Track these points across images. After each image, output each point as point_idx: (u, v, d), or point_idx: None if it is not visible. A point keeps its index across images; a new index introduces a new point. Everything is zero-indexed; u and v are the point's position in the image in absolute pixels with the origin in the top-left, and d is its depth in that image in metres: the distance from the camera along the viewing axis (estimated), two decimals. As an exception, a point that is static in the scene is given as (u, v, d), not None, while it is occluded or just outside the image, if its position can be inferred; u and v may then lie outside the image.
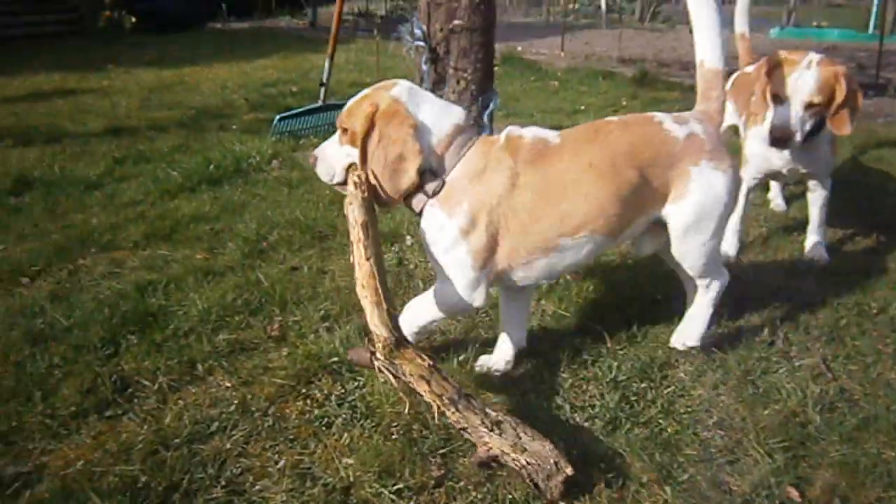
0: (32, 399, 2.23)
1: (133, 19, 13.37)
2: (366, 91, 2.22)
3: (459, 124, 2.17)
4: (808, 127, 2.87)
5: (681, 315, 2.59)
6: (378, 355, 1.98)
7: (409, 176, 2.11)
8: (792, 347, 2.52)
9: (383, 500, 1.83)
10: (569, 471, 1.76)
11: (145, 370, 2.38)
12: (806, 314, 2.72)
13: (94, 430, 2.11)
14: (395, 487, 1.86)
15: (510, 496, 1.84)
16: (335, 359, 2.40)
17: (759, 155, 3.15)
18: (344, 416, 2.16)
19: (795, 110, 2.84)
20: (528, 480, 1.80)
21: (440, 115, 2.17)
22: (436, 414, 1.93)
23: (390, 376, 1.97)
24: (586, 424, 2.12)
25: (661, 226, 2.31)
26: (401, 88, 2.18)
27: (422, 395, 1.92)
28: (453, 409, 1.86)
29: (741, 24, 3.78)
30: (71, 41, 11.57)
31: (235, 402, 2.21)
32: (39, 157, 4.86)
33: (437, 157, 2.15)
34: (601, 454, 1.99)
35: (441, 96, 2.77)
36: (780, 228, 3.60)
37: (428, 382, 1.90)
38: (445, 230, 2.13)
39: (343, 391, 2.28)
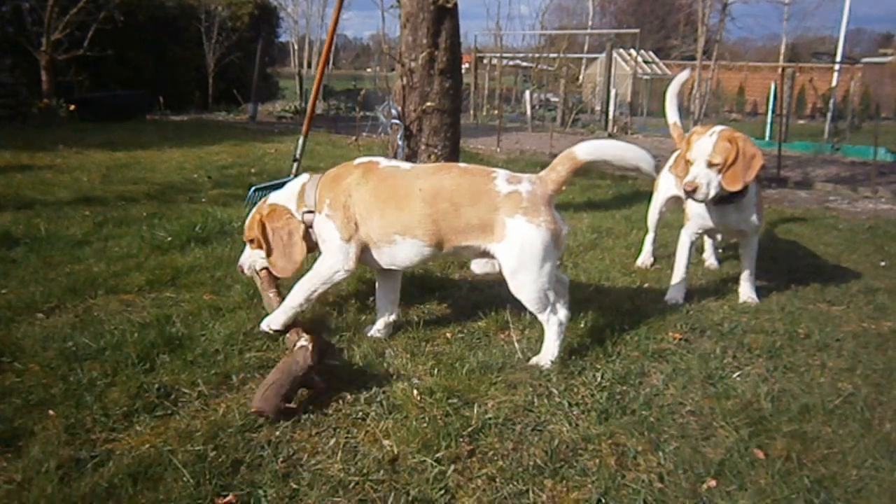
0: (85, 402, 2.43)
1: (71, 107, 13.51)
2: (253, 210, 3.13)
3: (304, 181, 3.05)
4: (714, 183, 3.47)
5: (644, 336, 3.11)
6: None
7: (300, 243, 2.97)
8: (740, 361, 3.00)
9: (426, 466, 2.14)
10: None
11: (184, 381, 2.62)
12: (748, 339, 3.24)
13: (148, 425, 2.33)
14: (435, 457, 2.17)
15: (532, 462, 2.19)
16: (357, 367, 2.72)
17: (697, 214, 3.75)
18: (375, 411, 2.47)
19: (699, 169, 3.49)
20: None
21: (292, 187, 3.08)
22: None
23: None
24: (583, 415, 2.50)
25: (491, 256, 2.90)
26: (273, 196, 3.12)
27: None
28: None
29: (672, 115, 4.46)
30: (9, 126, 11.59)
31: (275, 402, 2.48)
32: (15, 220, 4.98)
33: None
34: (599, 434, 2.37)
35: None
36: (716, 280, 4.18)
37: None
38: (322, 220, 2.94)
39: (369, 395, 2.58)
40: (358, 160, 3.06)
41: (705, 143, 3.48)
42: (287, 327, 2.95)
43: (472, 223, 2.82)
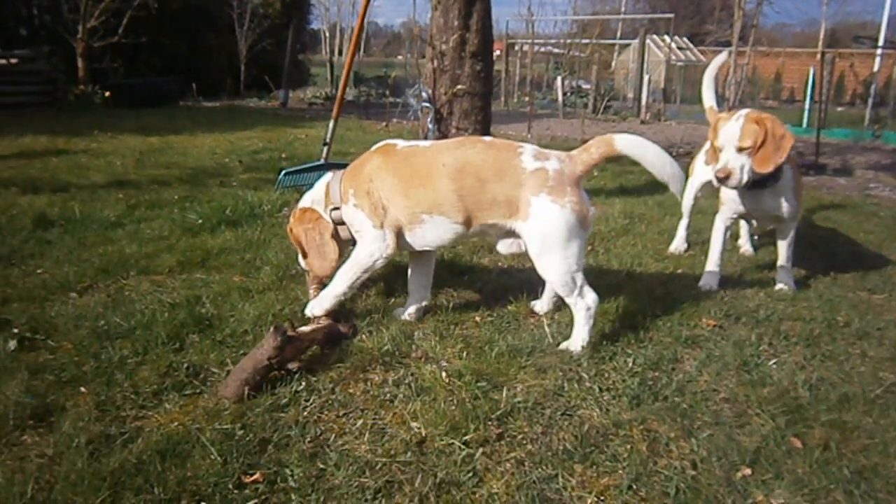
0: (115, 379, 2.45)
1: (106, 94, 13.70)
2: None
3: (328, 180, 3.04)
4: (746, 167, 3.36)
5: (677, 323, 3.04)
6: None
7: (331, 243, 2.95)
8: (776, 349, 2.93)
9: (454, 448, 2.11)
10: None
11: (213, 361, 2.63)
12: (784, 327, 3.15)
13: (177, 404, 2.34)
14: (464, 440, 2.15)
15: (562, 446, 2.15)
16: (386, 349, 2.71)
17: (731, 199, 3.65)
18: (403, 393, 2.45)
19: (729, 154, 3.38)
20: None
21: (319, 187, 3.06)
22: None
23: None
24: (614, 401, 2.46)
25: (517, 235, 2.85)
26: (302, 200, 3.11)
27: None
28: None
29: (709, 99, 4.36)
30: (46, 112, 11.80)
31: (303, 383, 2.47)
32: (50, 202, 5.06)
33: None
34: (630, 419, 2.32)
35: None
36: (752, 267, 4.08)
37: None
38: (351, 211, 2.92)
39: (397, 377, 2.57)
40: (375, 145, 3.02)
41: (732, 128, 3.37)
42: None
43: (497, 199, 2.77)
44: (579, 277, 2.80)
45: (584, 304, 2.81)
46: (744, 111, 3.44)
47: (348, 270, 2.94)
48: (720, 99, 15.56)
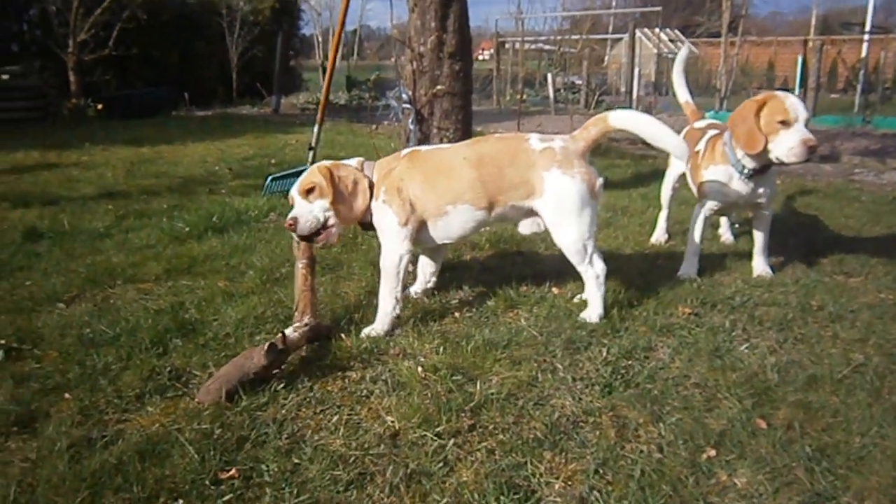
0: (99, 385, 2.51)
1: (99, 107, 13.76)
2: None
3: (361, 160, 3.19)
4: None
5: (653, 312, 3.10)
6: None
7: (365, 192, 3.04)
8: (749, 334, 2.98)
9: (427, 440, 2.17)
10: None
11: (195, 364, 2.68)
12: (759, 312, 3.20)
13: (159, 406, 2.39)
14: (436, 431, 2.20)
15: (532, 435, 2.21)
16: (365, 346, 2.77)
17: (719, 189, 3.67)
18: (379, 389, 2.50)
19: (803, 125, 3.31)
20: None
21: (350, 162, 3.19)
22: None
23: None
24: (587, 389, 2.51)
25: (536, 214, 3.10)
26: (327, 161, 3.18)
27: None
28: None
29: (682, 94, 4.41)
30: (39, 126, 11.87)
31: (283, 383, 2.52)
32: (41, 215, 5.12)
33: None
34: (601, 407, 2.37)
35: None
36: (732, 254, 4.13)
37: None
38: (379, 207, 3.05)
39: (375, 373, 2.62)
40: (403, 151, 3.22)
41: (801, 103, 3.34)
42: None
43: (514, 181, 3.03)
44: (591, 245, 3.07)
45: (593, 272, 3.08)
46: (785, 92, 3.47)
47: (385, 283, 3.03)
48: (711, 90, 15.58)
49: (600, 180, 3.08)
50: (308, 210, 3.03)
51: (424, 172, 3.06)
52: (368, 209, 3.07)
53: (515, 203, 3.07)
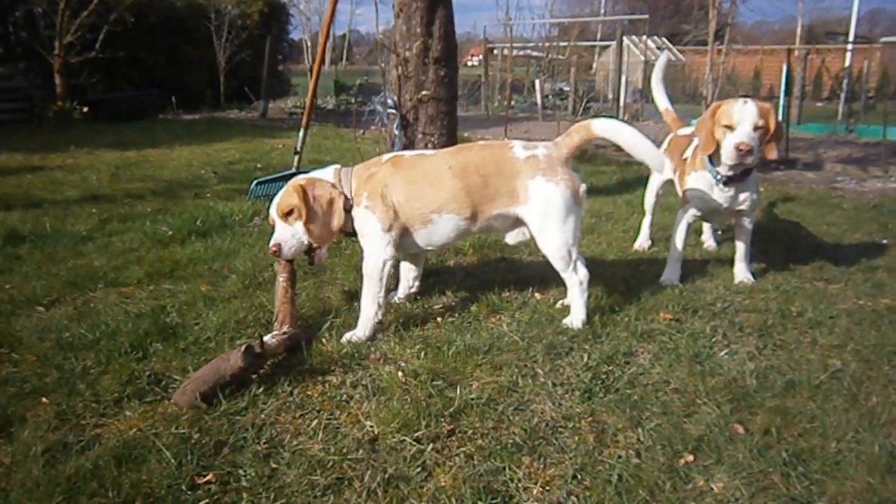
0: (77, 389, 2.49)
1: (84, 109, 13.67)
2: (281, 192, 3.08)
3: (337, 168, 3.14)
4: (757, 147, 3.42)
5: (634, 318, 3.12)
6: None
7: (340, 211, 3.00)
8: (730, 340, 3.00)
9: (406, 445, 2.17)
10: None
11: (175, 368, 2.67)
12: (739, 318, 3.22)
13: (137, 411, 2.38)
14: (415, 436, 2.20)
15: (511, 440, 2.21)
16: (345, 351, 2.76)
17: (699, 196, 3.70)
18: (359, 394, 2.50)
19: (747, 130, 3.41)
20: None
21: (325, 173, 3.14)
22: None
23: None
24: (567, 395, 2.52)
25: (522, 223, 3.12)
26: (302, 178, 3.13)
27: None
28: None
29: (661, 101, 4.45)
30: (24, 128, 11.78)
31: (262, 387, 2.51)
32: (23, 218, 5.07)
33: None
34: (581, 413, 2.38)
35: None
36: (714, 261, 4.16)
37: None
38: (361, 212, 3.03)
39: (355, 378, 2.62)
40: (385, 156, 3.21)
41: (750, 108, 3.42)
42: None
43: (500, 191, 3.05)
44: (575, 252, 3.10)
45: (577, 279, 3.10)
46: (745, 98, 3.55)
47: (367, 289, 3.02)
48: (698, 97, 15.66)
49: (584, 186, 3.11)
50: (290, 234, 3.01)
51: (408, 180, 3.05)
52: (345, 225, 3.04)
53: (500, 211, 3.09)
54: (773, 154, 3.51)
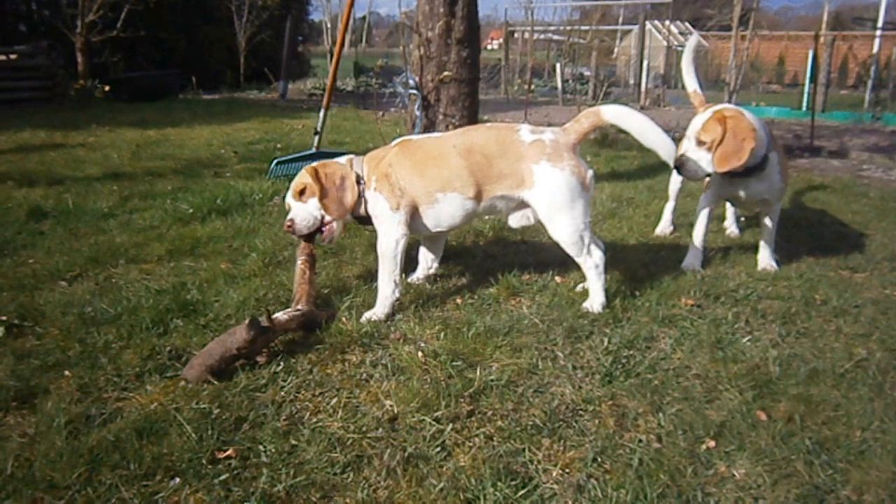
0: (99, 363, 2.51)
1: (106, 88, 13.74)
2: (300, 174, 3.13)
3: (350, 157, 3.19)
4: (703, 161, 3.42)
5: (655, 303, 3.09)
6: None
7: (353, 186, 3.04)
8: (752, 327, 2.96)
9: (425, 425, 2.16)
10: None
11: (195, 344, 2.67)
12: (762, 306, 3.18)
13: (158, 385, 2.39)
14: (434, 416, 2.20)
15: (531, 422, 2.20)
16: (365, 331, 2.76)
17: (717, 183, 3.67)
18: (379, 373, 2.50)
19: (688, 145, 3.49)
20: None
21: (341, 160, 3.19)
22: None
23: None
24: (587, 378, 2.50)
25: (527, 206, 3.09)
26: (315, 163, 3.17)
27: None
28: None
29: (691, 83, 4.37)
30: (46, 106, 11.86)
31: (282, 364, 2.52)
32: (45, 195, 5.11)
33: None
34: (601, 396, 2.37)
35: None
36: (737, 247, 4.11)
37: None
38: (372, 195, 3.05)
39: (375, 357, 2.62)
40: (395, 141, 3.21)
41: (697, 121, 3.49)
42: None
43: (504, 172, 3.02)
44: (587, 236, 3.06)
45: (592, 262, 3.08)
46: (719, 106, 3.55)
47: (383, 268, 3.03)
48: (721, 84, 15.49)
49: (591, 172, 3.06)
50: (303, 210, 3.08)
51: (413, 160, 3.06)
52: (359, 202, 3.08)
53: (505, 193, 3.06)
54: (722, 166, 3.39)
